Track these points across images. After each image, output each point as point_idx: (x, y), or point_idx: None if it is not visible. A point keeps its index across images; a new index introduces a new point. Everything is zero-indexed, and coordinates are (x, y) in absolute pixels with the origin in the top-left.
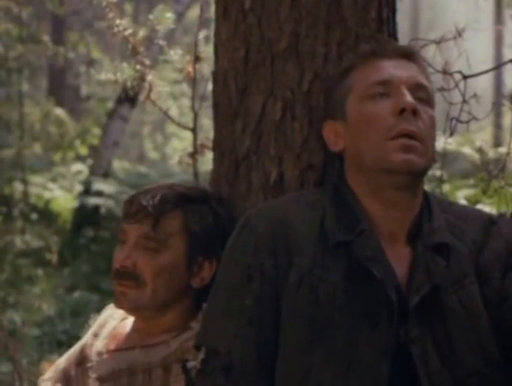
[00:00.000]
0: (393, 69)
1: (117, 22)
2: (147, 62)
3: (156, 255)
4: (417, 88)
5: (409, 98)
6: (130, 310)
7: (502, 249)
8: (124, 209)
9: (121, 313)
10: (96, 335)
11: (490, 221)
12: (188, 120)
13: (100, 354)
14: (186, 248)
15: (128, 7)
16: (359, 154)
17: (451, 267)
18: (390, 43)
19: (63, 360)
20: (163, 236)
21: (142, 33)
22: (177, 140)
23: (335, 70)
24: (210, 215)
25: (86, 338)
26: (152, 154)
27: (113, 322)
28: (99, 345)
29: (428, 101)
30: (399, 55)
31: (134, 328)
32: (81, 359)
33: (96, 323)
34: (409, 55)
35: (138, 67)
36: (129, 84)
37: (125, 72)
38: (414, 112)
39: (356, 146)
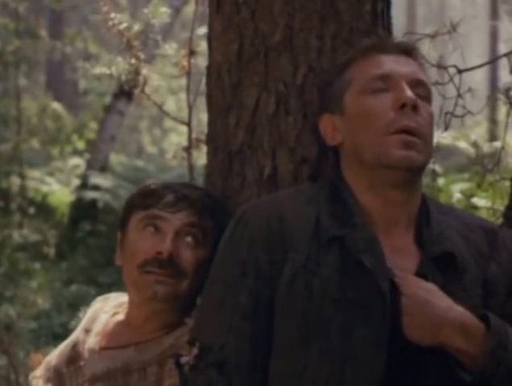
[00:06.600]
0: (393, 64)
1: (112, 15)
2: (142, 56)
3: (196, 247)
4: (417, 84)
5: (410, 93)
6: (163, 300)
7: (509, 264)
8: (156, 197)
9: (111, 306)
10: (87, 331)
11: (492, 231)
12: (186, 114)
13: (92, 351)
14: (212, 247)
15: (123, 1)
16: (357, 149)
17: (457, 277)
18: (390, 39)
19: (54, 357)
20: (206, 227)
21: (136, 27)
22: (175, 134)
23: (331, 64)
24: (225, 218)
25: (77, 333)
26: (150, 149)
27: (104, 317)
28: (91, 342)
29: (427, 98)
30: (399, 50)
31: (128, 324)
32: (74, 357)
33: (86, 317)
34: (409, 51)
35: (133, 61)
36: (123, 78)
37: (119, 66)
38: (415, 108)
39: (354, 141)
